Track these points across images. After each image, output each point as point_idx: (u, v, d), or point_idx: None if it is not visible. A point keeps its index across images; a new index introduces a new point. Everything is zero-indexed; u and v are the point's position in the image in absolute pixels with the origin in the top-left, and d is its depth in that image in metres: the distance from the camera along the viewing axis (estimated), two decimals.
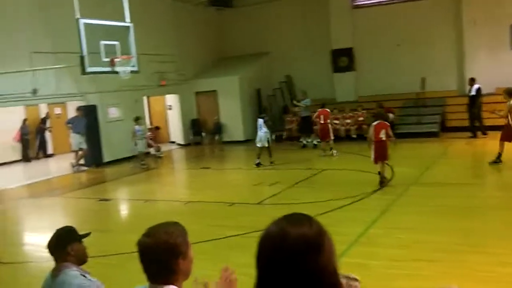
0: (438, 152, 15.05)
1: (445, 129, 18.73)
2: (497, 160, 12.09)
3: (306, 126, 18.22)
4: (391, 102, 19.64)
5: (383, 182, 10.88)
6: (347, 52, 21.78)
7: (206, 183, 13.46)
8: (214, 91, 21.72)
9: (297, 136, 19.13)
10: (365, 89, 21.41)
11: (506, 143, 12.09)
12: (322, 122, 15.96)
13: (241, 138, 21.10)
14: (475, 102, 17.29)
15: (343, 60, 21.87)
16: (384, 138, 10.81)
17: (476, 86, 17.32)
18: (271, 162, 14.68)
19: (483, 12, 19.28)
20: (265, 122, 14.64)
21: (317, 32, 22.24)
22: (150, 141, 18.31)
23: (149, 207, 11.10)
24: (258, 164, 14.55)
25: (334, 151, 15.76)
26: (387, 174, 11.39)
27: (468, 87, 17.81)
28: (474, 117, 17.29)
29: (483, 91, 17.94)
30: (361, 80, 21.77)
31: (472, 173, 12.80)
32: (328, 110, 16.51)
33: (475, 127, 17.29)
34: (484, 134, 17.05)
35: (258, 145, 14.70)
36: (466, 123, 17.76)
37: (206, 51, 23.50)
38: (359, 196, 10.01)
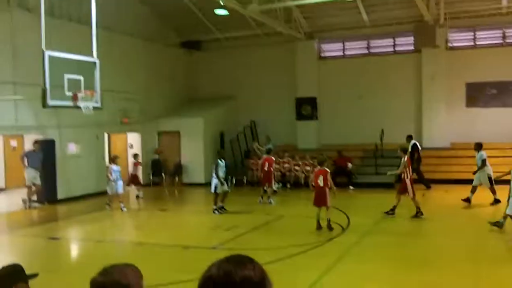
0: (393, 202, 15.26)
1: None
2: (391, 212, 12.70)
3: None
4: (352, 151, 20.04)
5: (320, 227, 11.13)
6: (311, 101, 22.26)
7: (162, 225, 13.23)
8: (177, 131, 21.68)
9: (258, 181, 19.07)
10: (327, 138, 21.80)
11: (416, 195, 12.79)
12: (266, 169, 15.83)
13: (202, 181, 20.95)
14: (413, 158, 17.82)
15: (306, 108, 22.31)
16: (321, 185, 11.16)
17: (412, 142, 17.96)
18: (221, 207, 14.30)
19: (441, 69, 20.21)
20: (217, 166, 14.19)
21: (283, 79, 22.72)
22: (134, 177, 17.91)
23: (101, 247, 10.78)
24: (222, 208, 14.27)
25: (272, 200, 15.70)
26: (343, 222, 11.47)
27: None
28: (417, 171, 17.80)
29: (439, 145, 18.79)
30: (323, 129, 22.20)
31: (426, 224, 12.99)
32: (273, 158, 16.55)
33: (424, 179, 17.83)
34: (428, 187, 17.60)
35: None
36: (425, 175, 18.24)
37: (173, 92, 23.57)
38: (315, 243, 10.01)
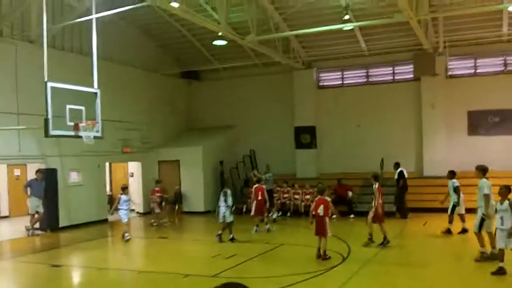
0: (394, 232, 15.24)
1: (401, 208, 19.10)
2: (369, 241, 12.59)
3: (269, 199, 18.17)
4: (351, 180, 20.06)
5: (320, 256, 11.11)
6: (310, 130, 22.42)
7: (162, 253, 13.21)
8: (177, 160, 21.79)
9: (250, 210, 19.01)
10: (326, 167, 21.88)
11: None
12: (259, 198, 15.62)
13: (201, 209, 20.98)
14: (398, 185, 17.88)
15: (305, 137, 22.46)
16: (321, 214, 11.15)
17: (398, 170, 18.08)
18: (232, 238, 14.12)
19: (441, 97, 20.33)
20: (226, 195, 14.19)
21: (282, 108, 22.92)
22: (155, 203, 18.05)
23: (102, 275, 10.77)
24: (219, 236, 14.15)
25: (269, 226, 15.79)
26: (344, 251, 11.46)
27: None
28: (400, 199, 17.87)
29: (440, 174, 18.78)
30: (322, 158, 22.30)
31: (425, 255, 12.96)
32: (264, 187, 16.22)
33: (403, 208, 17.88)
34: (405, 217, 17.63)
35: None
36: (423, 204, 18.23)
37: (173, 122, 23.79)
38: (315, 273, 9.99)
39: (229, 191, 14.28)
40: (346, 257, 11.51)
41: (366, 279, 9.74)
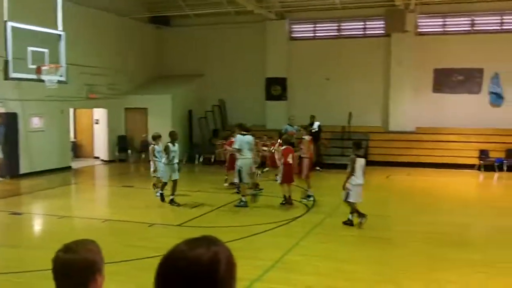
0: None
1: (368, 163, 19.39)
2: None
3: None
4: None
5: (286, 203, 11.71)
6: (281, 82, 22.27)
7: (128, 202, 13.10)
8: (145, 108, 21.43)
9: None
10: (296, 119, 21.84)
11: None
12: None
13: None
14: (318, 138, 17.98)
15: (276, 88, 22.33)
16: (291, 162, 11.65)
17: (317, 123, 18.29)
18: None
19: (410, 55, 20.44)
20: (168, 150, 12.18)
21: (253, 59, 22.61)
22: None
23: (64, 223, 10.63)
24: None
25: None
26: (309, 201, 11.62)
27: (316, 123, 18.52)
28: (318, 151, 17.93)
29: (405, 129, 19.18)
30: (292, 110, 22.23)
31: (387, 206, 13.29)
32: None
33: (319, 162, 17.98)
34: (319, 168, 17.83)
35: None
36: (388, 158, 18.61)
37: (142, 68, 23.23)
38: (280, 222, 10.13)
39: (172, 147, 12.12)
40: (311, 207, 11.71)
41: (329, 229, 9.92)
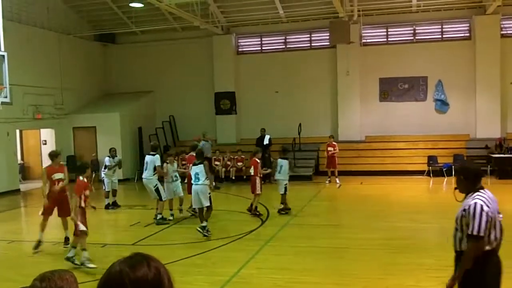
0: (310, 195, 15.81)
1: (319, 173, 19.82)
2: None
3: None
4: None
5: (250, 210, 12.34)
6: (230, 96, 22.42)
7: None
8: (93, 127, 21.10)
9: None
10: (246, 132, 22.08)
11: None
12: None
13: (120, 177, 20.48)
14: (269, 151, 18.34)
15: (225, 103, 22.46)
16: (252, 174, 12.39)
17: (267, 136, 18.89)
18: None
19: (356, 65, 21.04)
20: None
21: (202, 74, 22.70)
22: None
23: (14, 248, 10.35)
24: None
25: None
26: (263, 214, 11.76)
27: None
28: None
29: (354, 138, 19.74)
30: (242, 123, 22.46)
31: (341, 215, 13.59)
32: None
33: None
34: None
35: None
36: (339, 168, 18.96)
37: (89, 86, 22.87)
38: (235, 237, 10.19)
39: (110, 160, 14.60)
40: (265, 220, 11.84)
41: (283, 241, 10.04)
